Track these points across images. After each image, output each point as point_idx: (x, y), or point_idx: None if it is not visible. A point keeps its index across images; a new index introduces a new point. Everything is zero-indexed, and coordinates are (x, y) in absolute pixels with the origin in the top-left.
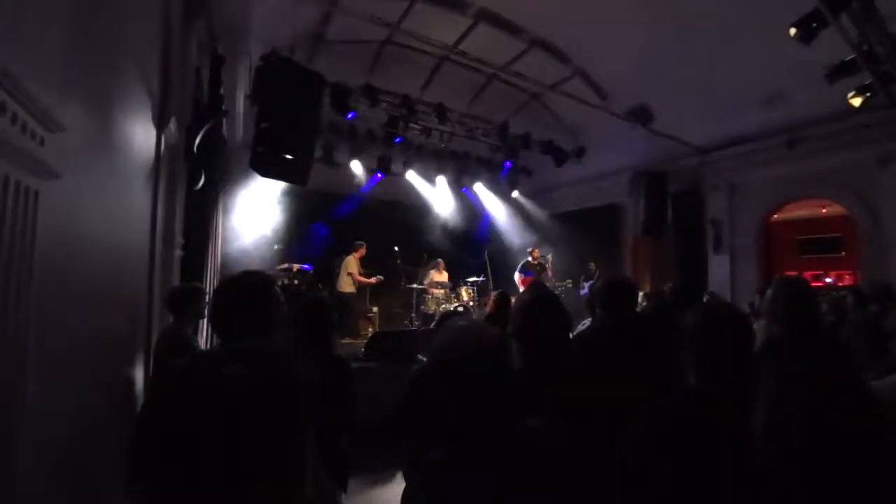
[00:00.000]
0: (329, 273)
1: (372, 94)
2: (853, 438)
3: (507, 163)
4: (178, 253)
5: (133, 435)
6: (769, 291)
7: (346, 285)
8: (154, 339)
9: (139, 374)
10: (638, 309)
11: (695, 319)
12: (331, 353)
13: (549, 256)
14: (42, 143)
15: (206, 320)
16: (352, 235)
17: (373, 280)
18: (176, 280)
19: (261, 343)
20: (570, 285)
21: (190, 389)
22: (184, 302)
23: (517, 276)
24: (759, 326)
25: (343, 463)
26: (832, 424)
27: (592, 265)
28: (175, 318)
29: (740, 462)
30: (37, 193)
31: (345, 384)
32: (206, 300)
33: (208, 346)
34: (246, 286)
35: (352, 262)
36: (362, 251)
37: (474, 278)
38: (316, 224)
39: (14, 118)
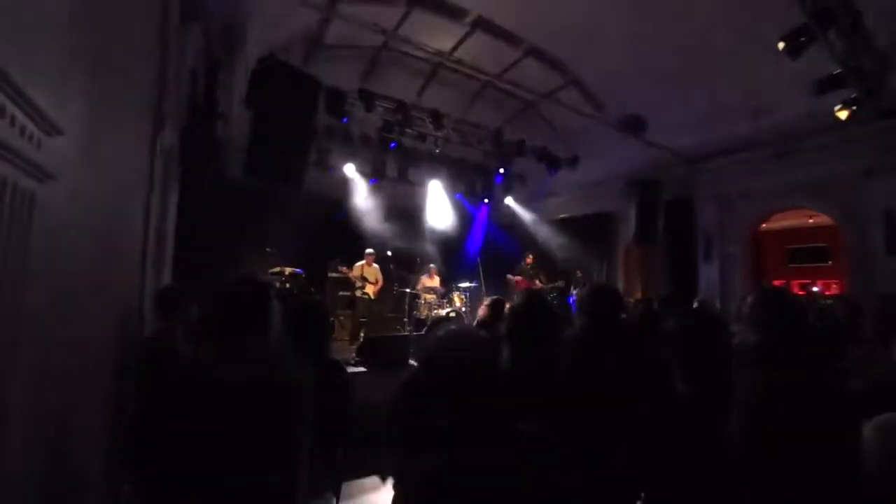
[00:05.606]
0: (321, 277)
1: (367, 98)
2: (828, 446)
3: (502, 169)
4: (171, 255)
5: (128, 433)
6: (749, 299)
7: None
8: None
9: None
10: (625, 316)
11: (674, 326)
12: (327, 358)
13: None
14: (39, 145)
15: (198, 323)
16: (345, 240)
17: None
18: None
19: (255, 347)
20: (561, 285)
21: (185, 393)
22: (173, 304)
23: (509, 277)
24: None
25: (336, 469)
26: (806, 433)
27: (579, 273)
28: (163, 321)
29: (722, 465)
30: (33, 195)
31: (342, 390)
32: (197, 303)
33: (200, 350)
34: (242, 291)
35: (357, 269)
36: (370, 259)
37: (467, 284)
38: (309, 227)
39: (12, 120)
